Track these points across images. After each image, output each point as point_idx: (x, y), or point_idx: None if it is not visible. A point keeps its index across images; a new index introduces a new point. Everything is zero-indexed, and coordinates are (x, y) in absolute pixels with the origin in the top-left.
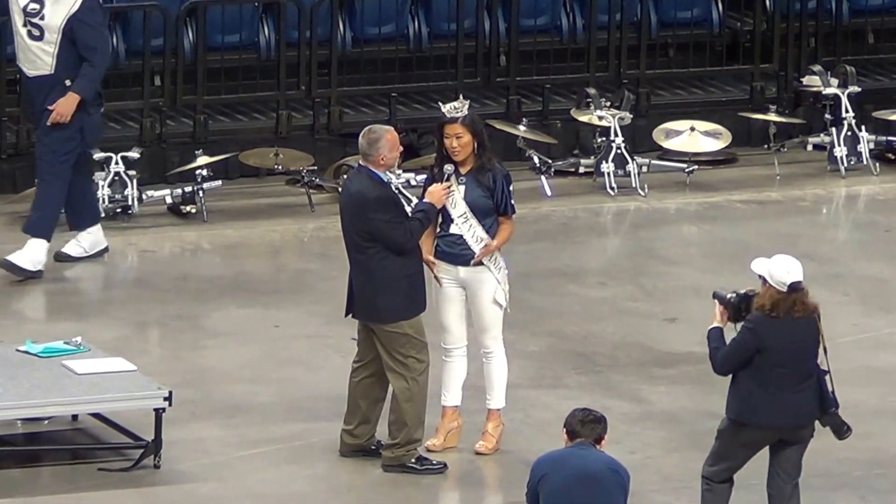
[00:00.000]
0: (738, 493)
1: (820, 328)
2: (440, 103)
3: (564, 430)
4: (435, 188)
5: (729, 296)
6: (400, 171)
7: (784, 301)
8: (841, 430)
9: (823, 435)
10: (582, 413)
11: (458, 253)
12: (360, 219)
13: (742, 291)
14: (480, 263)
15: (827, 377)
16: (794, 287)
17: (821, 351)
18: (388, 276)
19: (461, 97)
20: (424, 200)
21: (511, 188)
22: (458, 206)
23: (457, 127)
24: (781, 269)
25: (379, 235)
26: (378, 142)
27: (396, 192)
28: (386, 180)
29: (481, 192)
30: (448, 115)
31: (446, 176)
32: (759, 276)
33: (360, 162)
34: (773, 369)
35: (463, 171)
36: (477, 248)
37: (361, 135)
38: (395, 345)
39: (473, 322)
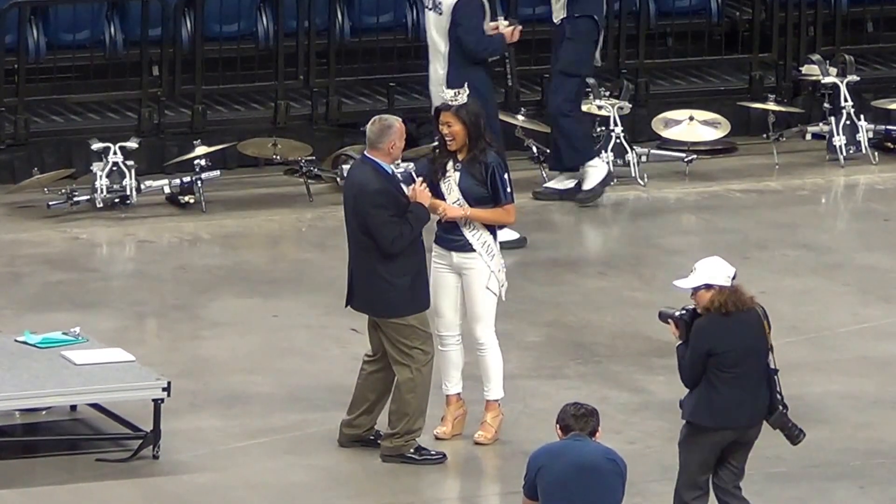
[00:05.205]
0: None
1: (765, 326)
2: (444, 87)
3: (557, 425)
4: (412, 191)
5: (678, 313)
6: (398, 162)
7: (732, 295)
8: (793, 434)
9: (822, 426)
10: (573, 407)
11: (452, 238)
12: (361, 211)
13: (690, 307)
14: (466, 247)
15: (776, 377)
16: (735, 277)
17: (770, 350)
18: (390, 272)
19: (465, 86)
20: (413, 203)
21: (506, 176)
22: (452, 192)
23: (449, 115)
24: (719, 265)
25: (371, 230)
26: (389, 129)
27: (401, 179)
28: (390, 172)
29: (474, 181)
30: (445, 102)
31: (412, 176)
32: (696, 289)
33: (367, 152)
34: (725, 370)
35: (460, 158)
36: (469, 234)
37: (371, 122)
38: (401, 336)
39: (467, 311)
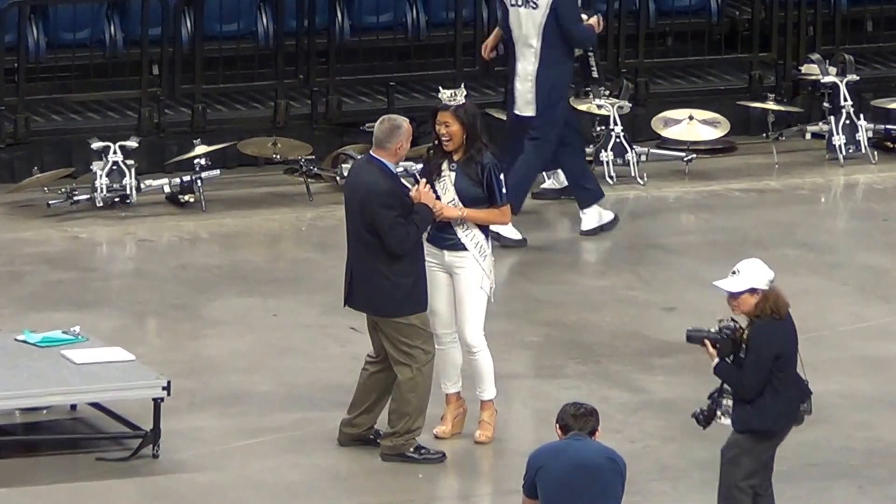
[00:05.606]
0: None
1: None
2: (440, 87)
3: (557, 425)
4: (416, 191)
5: (717, 332)
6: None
7: (778, 298)
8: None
9: (821, 425)
10: (573, 407)
11: (444, 236)
12: (369, 211)
13: (729, 324)
14: (458, 246)
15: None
16: (773, 280)
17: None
18: (394, 271)
19: (462, 86)
20: (417, 204)
21: (502, 177)
22: (447, 192)
23: (447, 115)
24: (762, 269)
25: (380, 231)
26: (398, 130)
27: (405, 176)
28: (395, 173)
29: (469, 182)
30: (442, 102)
31: (416, 177)
32: (736, 294)
33: (372, 152)
34: (783, 371)
35: (456, 158)
36: (462, 234)
37: (379, 122)
38: (402, 335)
39: (456, 315)
